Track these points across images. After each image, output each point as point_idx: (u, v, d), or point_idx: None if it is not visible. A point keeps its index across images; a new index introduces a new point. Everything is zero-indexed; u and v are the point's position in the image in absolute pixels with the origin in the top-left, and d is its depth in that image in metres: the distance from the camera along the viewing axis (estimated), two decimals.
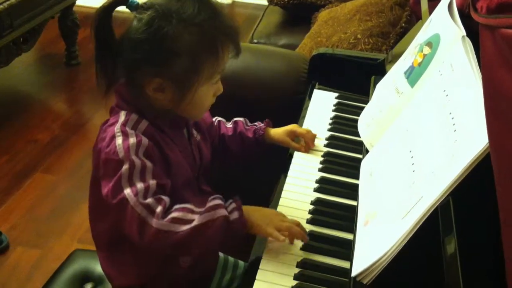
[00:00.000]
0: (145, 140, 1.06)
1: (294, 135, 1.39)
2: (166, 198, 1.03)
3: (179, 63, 1.05)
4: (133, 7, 1.06)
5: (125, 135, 1.06)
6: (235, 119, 1.38)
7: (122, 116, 1.09)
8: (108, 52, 1.08)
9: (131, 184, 1.02)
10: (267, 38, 2.62)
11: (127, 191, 1.01)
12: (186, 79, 1.06)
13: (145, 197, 1.01)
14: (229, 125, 1.37)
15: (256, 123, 1.38)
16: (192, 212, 1.02)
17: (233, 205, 1.05)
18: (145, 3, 1.06)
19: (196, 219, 1.01)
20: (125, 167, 1.03)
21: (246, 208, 1.06)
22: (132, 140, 1.05)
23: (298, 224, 1.09)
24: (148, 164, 1.04)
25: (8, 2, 2.63)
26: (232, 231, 1.03)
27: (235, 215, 1.03)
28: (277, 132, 1.37)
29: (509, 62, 0.66)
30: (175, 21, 1.03)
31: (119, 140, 1.05)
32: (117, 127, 1.07)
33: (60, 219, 2.28)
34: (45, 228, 2.24)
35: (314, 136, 1.40)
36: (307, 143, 1.39)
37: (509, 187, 0.69)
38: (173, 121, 1.14)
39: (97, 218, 1.17)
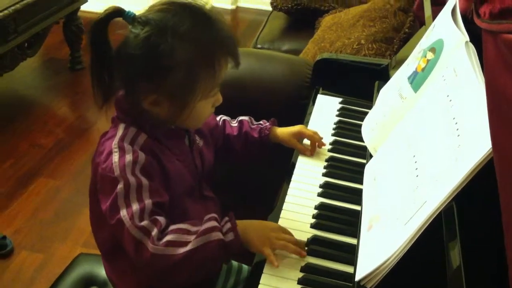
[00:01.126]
0: (142, 156, 1.05)
1: (300, 137, 1.38)
2: (161, 219, 1.03)
3: (175, 80, 1.03)
4: (130, 19, 1.05)
5: (122, 151, 1.05)
6: (240, 118, 1.37)
7: (121, 129, 1.09)
8: (105, 64, 1.07)
9: (127, 205, 1.02)
10: (270, 43, 2.62)
11: (123, 213, 1.02)
12: (182, 95, 1.05)
13: (141, 219, 1.01)
14: (234, 124, 1.36)
15: (261, 122, 1.37)
16: (188, 233, 1.02)
17: (228, 225, 1.04)
18: (140, 17, 1.04)
19: (191, 243, 1.01)
20: (120, 186, 1.03)
21: (243, 224, 1.06)
22: (129, 157, 1.05)
23: (295, 242, 1.08)
24: (144, 182, 1.04)
25: (13, 7, 2.65)
26: (228, 252, 1.04)
27: (230, 236, 1.03)
28: (283, 132, 1.36)
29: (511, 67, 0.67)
30: (170, 38, 1.01)
31: (115, 157, 1.05)
32: (114, 143, 1.07)
33: (64, 223, 2.29)
34: (49, 232, 2.24)
35: (320, 139, 1.39)
36: (313, 146, 1.38)
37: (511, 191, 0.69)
38: (172, 131, 1.13)
39: (97, 226, 1.17)
